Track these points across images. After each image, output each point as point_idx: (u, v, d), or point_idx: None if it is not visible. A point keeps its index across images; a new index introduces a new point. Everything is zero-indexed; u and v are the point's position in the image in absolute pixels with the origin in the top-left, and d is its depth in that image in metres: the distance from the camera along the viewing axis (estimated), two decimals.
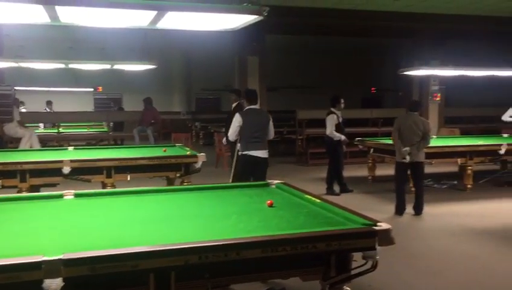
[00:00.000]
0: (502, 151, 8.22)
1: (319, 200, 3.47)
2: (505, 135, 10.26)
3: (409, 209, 6.65)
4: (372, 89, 21.85)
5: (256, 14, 3.01)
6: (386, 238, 2.72)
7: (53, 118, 13.42)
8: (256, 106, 5.87)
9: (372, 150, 8.90)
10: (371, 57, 18.09)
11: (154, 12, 3.04)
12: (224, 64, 13.62)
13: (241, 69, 11.31)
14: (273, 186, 4.20)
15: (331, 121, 7.97)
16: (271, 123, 5.82)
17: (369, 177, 9.20)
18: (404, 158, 6.48)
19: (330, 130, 7.96)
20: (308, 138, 12.52)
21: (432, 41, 12.12)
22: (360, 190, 8.50)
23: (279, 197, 3.78)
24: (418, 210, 6.60)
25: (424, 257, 4.98)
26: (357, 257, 2.79)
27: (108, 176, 5.79)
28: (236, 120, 5.66)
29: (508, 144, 8.35)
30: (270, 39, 11.97)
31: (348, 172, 9.07)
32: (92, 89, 17.70)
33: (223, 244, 2.37)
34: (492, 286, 4.19)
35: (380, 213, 6.63)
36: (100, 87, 17.66)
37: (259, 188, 4.18)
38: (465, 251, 5.16)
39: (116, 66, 10.06)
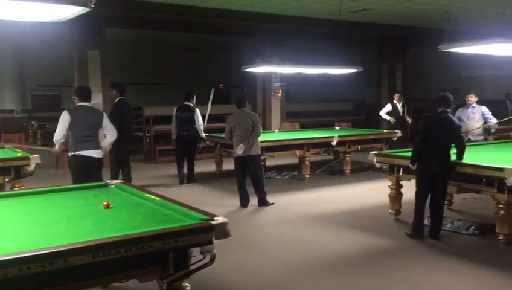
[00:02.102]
0: (334, 143, 9.01)
1: (158, 198, 3.42)
2: (337, 128, 11.28)
3: (255, 201, 6.92)
4: (220, 85, 22.35)
5: (82, 6, 2.81)
6: (222, 231, 2.79)
7: None
8: (88, 104, 5.47)
9: (218, 145, 9.10)
10: (220, 54, 18.44)
11: None
12: (62, 59, 12.66)
13: (81, 64, 10.63)
14: (113, 186, 4.04)
15: (199, 114, 8.59)
16: (107, 121, 5.47)
17: (217, 172, 9.39)
18: (237, 153, 6.77)
19: (201, 122, 8.59)
20: (156, 135, 12.32)
21: (273, 40, 12.79)
22: (208, 184, 8.64)
23: (117, 198, 3.64)
24: (260, 202, 6.90)
25: (265, 245, 5.24)
26: (197, 252, 2.82)
27: None
28: (64, 119, 5.23)
29: (339, 136, 9.19)
30: (114, 33, 11.47)
31: (196, 167, 9.19)
32: None
33: (46, 253, 2.20)
34: (324, 264, 4.58)
35: (227, 207, 6.82)
36: None
37: (97, 189, 3.99)
38: (302, 235, 5.55)
39: None
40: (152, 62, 18.04)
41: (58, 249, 2.24)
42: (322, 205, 6.99)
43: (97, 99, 10.66)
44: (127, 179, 7.33)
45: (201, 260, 2.81)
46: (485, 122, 7.73)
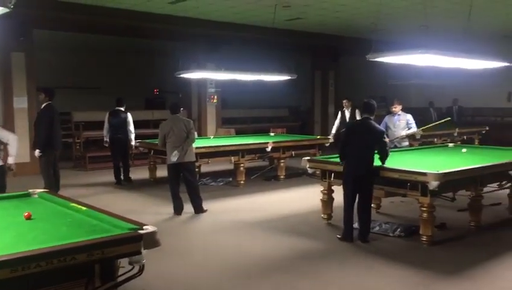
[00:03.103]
0: (269, 149, 9.10)
1: (85, 208, 3.29)
2: (272, 134, 11.41)
3: (189, 208, 6.83)
4: (155, 90, 21.97)
5: (1, 6, 2.66)
6: (151, 241, 2.73)
7: None
8: None
9: (152, 151, 8.92)
10: (155, 58, 18.11)
11: None
12: None
13: (5, 67, 10.07)
14: (36, 196, 3.84)
15: (131, 119, 9.06)
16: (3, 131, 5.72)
17: (151, 179, 9.21)
18: (171, 160, 6.66)
19: (132, 127, 9.06)
20: (86, 141, 11.89)
21: (208, 46, 12.75)
22: (142, 192, 8.45)
23: (41, 208, 3.47)
24: (195, 209, 6.81)
25: (199, 253, 5.19)
26: (126, 262, 2.74)
27: None
28: None
29: (274, 142, 9.29)
30: (41, 35, 10.96)
31: (130, 174, 8.99)
32: None
33: None
34: (257, 270, 4.60)
35: (160, 215, 6.69)
36: None
37: (18, 199, 3.78)
38: (236, 242, 5.55)
39: None
40: (82, 65, 17.37)
41: None
42: (257, 211, 7.03)
43: (22, 104, 10.18)
44: (55, 188, 7.03)
45: (130, 270, 2.74)
46: (408, 129, 8.11)
